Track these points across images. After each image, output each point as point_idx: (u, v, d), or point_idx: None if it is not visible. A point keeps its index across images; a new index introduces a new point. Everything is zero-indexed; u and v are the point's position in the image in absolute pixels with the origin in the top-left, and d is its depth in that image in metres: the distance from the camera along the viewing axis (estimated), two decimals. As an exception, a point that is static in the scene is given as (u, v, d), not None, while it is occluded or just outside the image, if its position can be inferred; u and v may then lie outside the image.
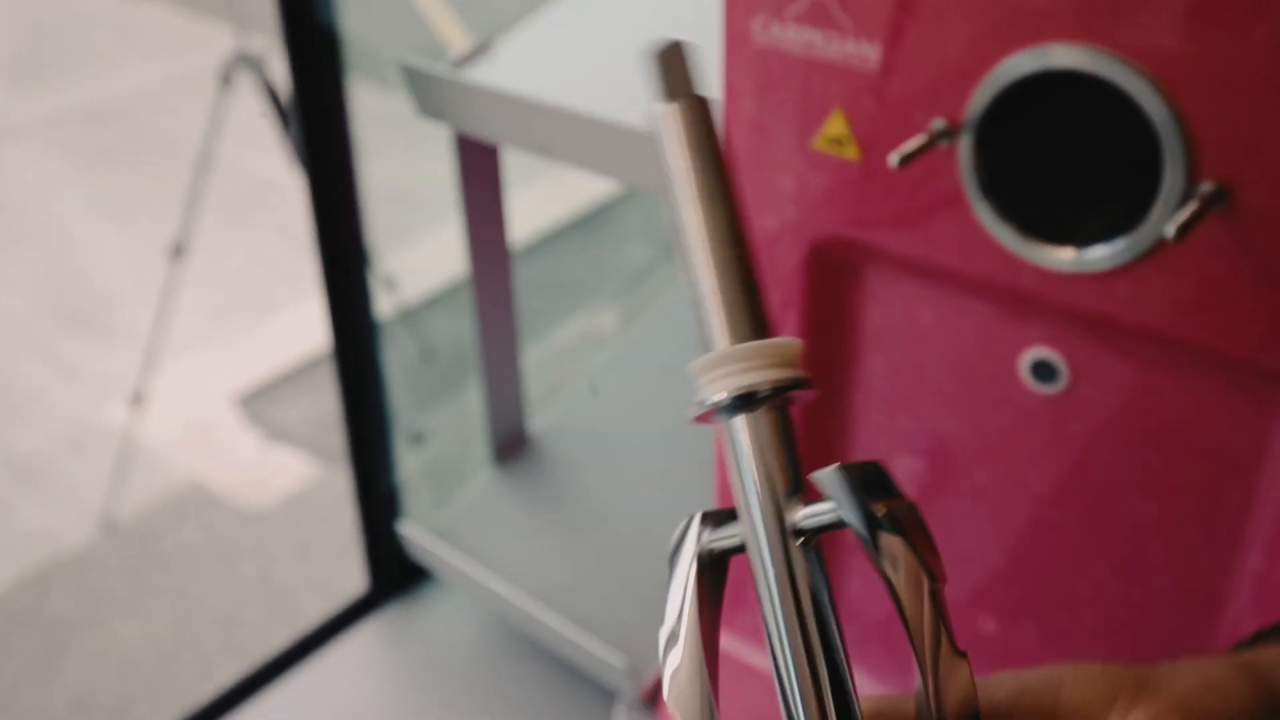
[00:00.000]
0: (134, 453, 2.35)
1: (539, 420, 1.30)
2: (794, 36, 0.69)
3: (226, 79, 2.04)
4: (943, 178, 0.66)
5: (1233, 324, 0.59)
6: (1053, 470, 0.73)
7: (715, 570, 0.37)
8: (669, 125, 0.39)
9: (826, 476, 0.35)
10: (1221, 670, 0.36)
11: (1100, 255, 0.61)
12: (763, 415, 0.36)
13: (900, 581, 0.34)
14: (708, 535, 0.37)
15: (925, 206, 0.68)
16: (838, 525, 0.35)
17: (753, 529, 0.36)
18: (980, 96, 0.63)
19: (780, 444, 0.36)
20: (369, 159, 1.08)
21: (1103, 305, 0.63)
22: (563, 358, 2.49)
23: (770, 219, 0.76)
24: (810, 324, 0.79)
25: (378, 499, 1.23)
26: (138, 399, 2.27)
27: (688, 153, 0.39)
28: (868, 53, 0.66)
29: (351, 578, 1.39)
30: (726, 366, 0.37)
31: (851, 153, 0.70)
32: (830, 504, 0.35)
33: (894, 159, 0.63)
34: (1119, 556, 0.73)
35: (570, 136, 0.86)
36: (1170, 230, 0.54)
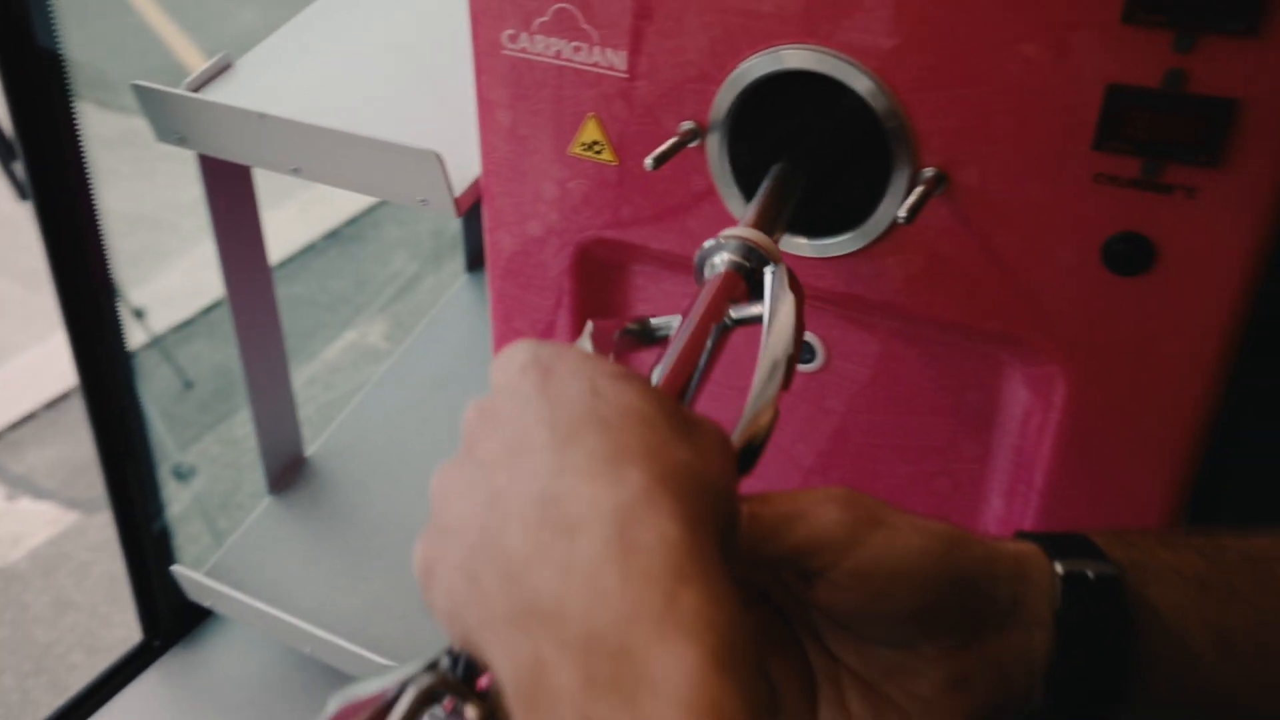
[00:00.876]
0: None
1: (315, 443, 1.27)
2: (543, 47, 0.71)
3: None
4: (695, 176, 0.70)
5: (960, 294, 0.65)
6: (816, 442, 0.79)
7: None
8: None
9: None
10: (929, 527, 0.43)
11: (843, 240, 0.66)
12: None
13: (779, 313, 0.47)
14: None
15: (681, 204, 0.72)
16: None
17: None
18: (722, 98, 0.66)
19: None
20: (108, 185, 1.03)
21: (849, 286, 0.68)
22: (334, 376, 2.42)
23: (535, 225, 0.78)
24: (582, 322, 0.81)
25: (147, 542, 1.16)
26: None
27: None
28: (615, 60, 0.69)
29: (123, 630, 1.31)
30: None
31: (608, 156, 0.72)
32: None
33: (648, 162, 0.66)
34: (882, 516, 0.79)
35: (325, 155, 0.85)
36: (902, 214, 0.59)
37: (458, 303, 1.42)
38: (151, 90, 0.92)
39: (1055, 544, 0.44)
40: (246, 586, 1.08)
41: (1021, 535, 0.46)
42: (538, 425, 0.36)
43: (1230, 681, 0.44)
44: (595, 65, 0.70)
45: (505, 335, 0.85)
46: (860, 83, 0.62)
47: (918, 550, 0.42)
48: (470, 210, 1.45)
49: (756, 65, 0.64)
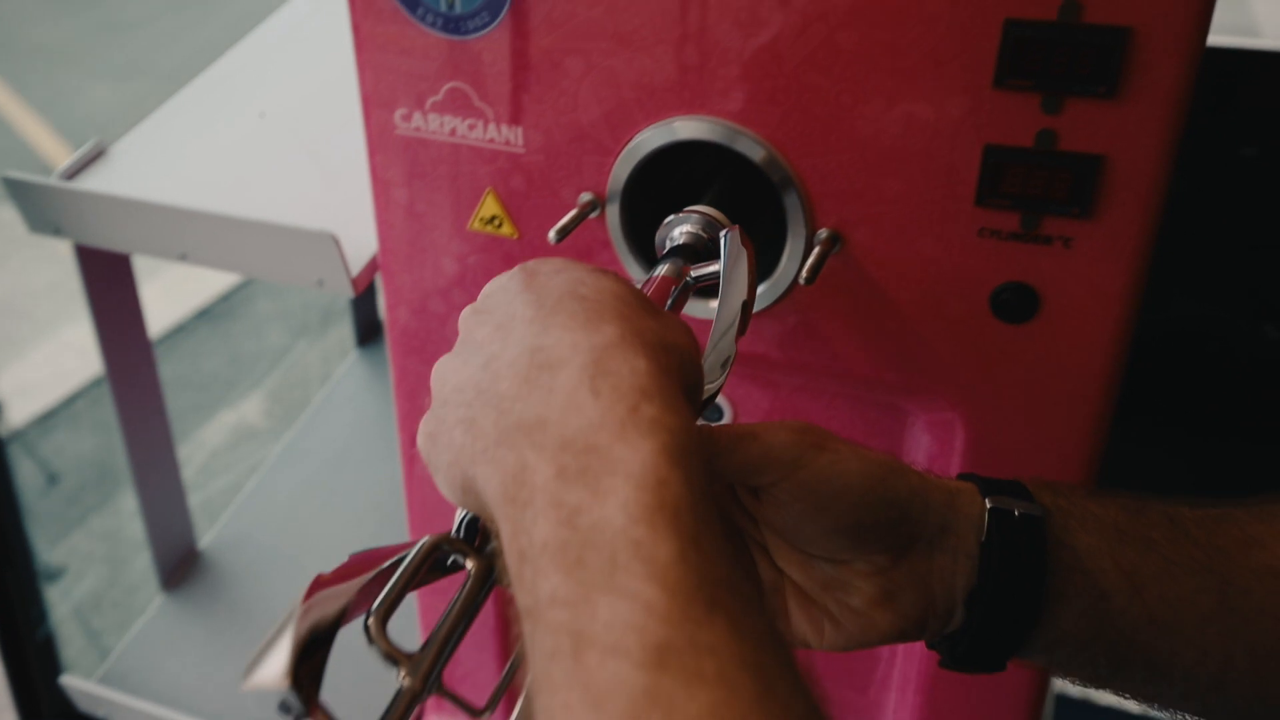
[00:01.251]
0: None
1: (208, 535, 1.22)
2: (437, 125, 0.71)
3: None
4: (596, 246, 0.71)
5: (860, 349, 0.68)
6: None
7: None
8: None
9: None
10: (870, 455, 0.48)
11: (744, 302, 0.68)
12: None
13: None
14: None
15: (584, 274, 0.73)
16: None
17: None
18: (620, 169, 0.68)
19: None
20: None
21: (753, 347, 0.70)
22: (214, 461, 2.35)
23: (437, 301, 0.78)
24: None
25: (28, 653, 1.10)
26: None
27: None
28: (510, 136, 0.70)
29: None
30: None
31: (508, 230, 0.73)
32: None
33: (552, 235, 0.67)
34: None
35: (214, 240, 0.83)
36: (803, 275, 0.61)
37: (350, 380, 1.40)
38: (22, 182, 0.90)
39: (990, 484, 0.50)
40: (144, 692, 1.03)
41: (963, 476, 0.51)
42: (525, 305, 0.43)
43: (1135, 623, 0.48)
44: (491, 142, 0.71)
45: (410, 413, 0.84)
46: (753, 150, 0.64)
47: (856, 473, 0.47)
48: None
49: (651, 137, 0.66)
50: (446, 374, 0.44)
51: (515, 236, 0.73)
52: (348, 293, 0.81)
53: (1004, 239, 0.62)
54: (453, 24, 0.68)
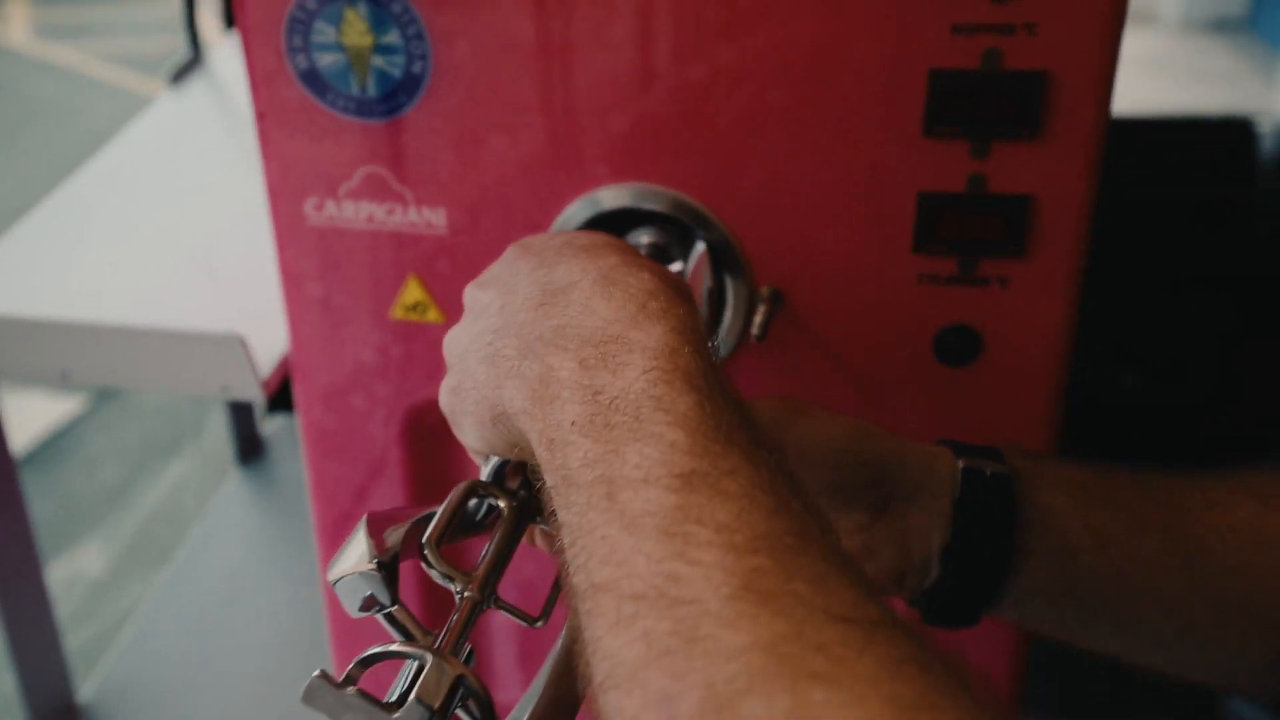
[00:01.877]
0: None
1: (87, 686, 1.12)
2: (352, 213, 0.69)
3: None
4: (528, 325, 0.69)
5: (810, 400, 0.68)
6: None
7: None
8: None
9: None
10: (848, 420, 0.53)
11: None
12: None
13: None
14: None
15: (516, 354, 0.70)
16: None
17: None
18: (550, 244, 0.67)
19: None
20: None
21: (698, 412, 0.69)
22: (85, 607, 2.16)
23: (359, 397, 0.74)
24: (414, 490, 0.78)
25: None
26: None
27: None
28: (433, 218, 0.68)
29: None
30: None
31: (434, 316, 0.71)
32: None
33: (489, 313, 0.65)
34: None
35: (104, 354, 0.78)
36: (754, 332, 0.61)
37: (232, 503, 1.31)
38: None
39: (964, 448, 0.54)
40: None
41: (941, 441, 0.55)
42: (526, 262, 0.46)
43: (1102, 578, 0.51)
44: (412, 225, 0.68)
45: (329, 520, 0.79)
46: (688, 214, 0.64)
47: (837, 435, 0.52)
48: (235, 402, 1.36)
49: (581, 209, 0.65)
50: (459, 335, 0.48)
51: (441, 321, 0.71)
52: (257, 398, 0.76)
53: (942, 284, 0.63)
54: (366, 107, 0.66)
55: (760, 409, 0.51)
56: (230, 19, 1.32)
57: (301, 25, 0.64)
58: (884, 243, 0.62)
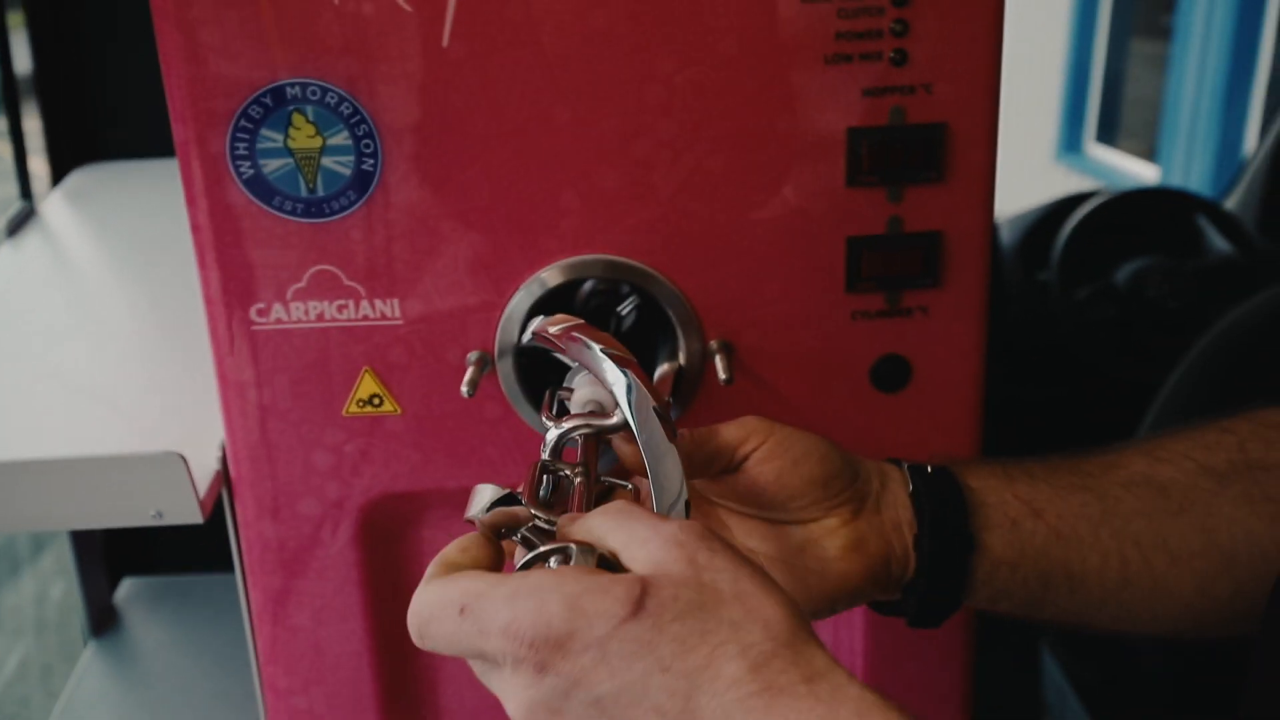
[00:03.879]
0: None
1: None
2: (301, 313, 0.69)
3: None
4: (487, 403, 0.71)
5: (760, 448, 0.73)
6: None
7: None
8: None
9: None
10: (809, 438, 0.59)
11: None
12: None
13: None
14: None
15: (477, 434, 0.72)
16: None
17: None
18: (507, 324, 0.69)
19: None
20: None
21: (662, 467, 0.73)
22: None
23: (310, 502, 0.73)
24: (371, 592, 0.76)
25: None
26: None
27: None
28: (386, 309, 0.70)
29: None
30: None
31: (390, 407, 0.71)
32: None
33: (464, 389, 0.66)
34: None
35: (16, 494, 0.73)
36: (723, 376, 0.66)
37: (89, 681, 1.21)
38: None
39: (897, 461, 0.62)
40: None
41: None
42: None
43: (1045, 540, 0.60)
44: (365, 319, 0.70)
45: (279, 638, 0.77)
46: (640, 278, 0.68)
47: (814, 438, 0.59)
48: (90, 568, 1.27)
49: (535, 285, 0.69)
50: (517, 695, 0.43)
51: (398, 412, 0.71)
52: (196, 519, 0.74)
53: (873, 318, 0.70)
54: (315, 207, 0.68)
55: (743, 421, 0.59)
56: (58, 168, 1.29)
57: (246, 134, 0.66)
58: (820, 286, 0.69)
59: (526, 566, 0.45)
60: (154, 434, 0.80)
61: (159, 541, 1.42)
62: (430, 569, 0.46)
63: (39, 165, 1.29)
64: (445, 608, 0.43)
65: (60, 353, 0.95)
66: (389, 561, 0.77)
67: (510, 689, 0.43)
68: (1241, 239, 1.94)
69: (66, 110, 1.28)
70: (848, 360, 0.71)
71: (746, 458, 0.58)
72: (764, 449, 0.58)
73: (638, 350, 0.70)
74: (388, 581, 0.77)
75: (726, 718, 0.39)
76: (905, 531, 0.59)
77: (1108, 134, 5.01)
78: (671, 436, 0.51)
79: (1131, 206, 2.01)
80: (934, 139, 0.67)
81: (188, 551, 1.37)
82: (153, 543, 1.42)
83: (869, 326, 0.70)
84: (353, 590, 0.76)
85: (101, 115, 1.31)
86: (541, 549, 0.44)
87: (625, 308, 0.71)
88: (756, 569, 0.44)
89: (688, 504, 0.50)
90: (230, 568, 0.77)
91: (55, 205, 1.23)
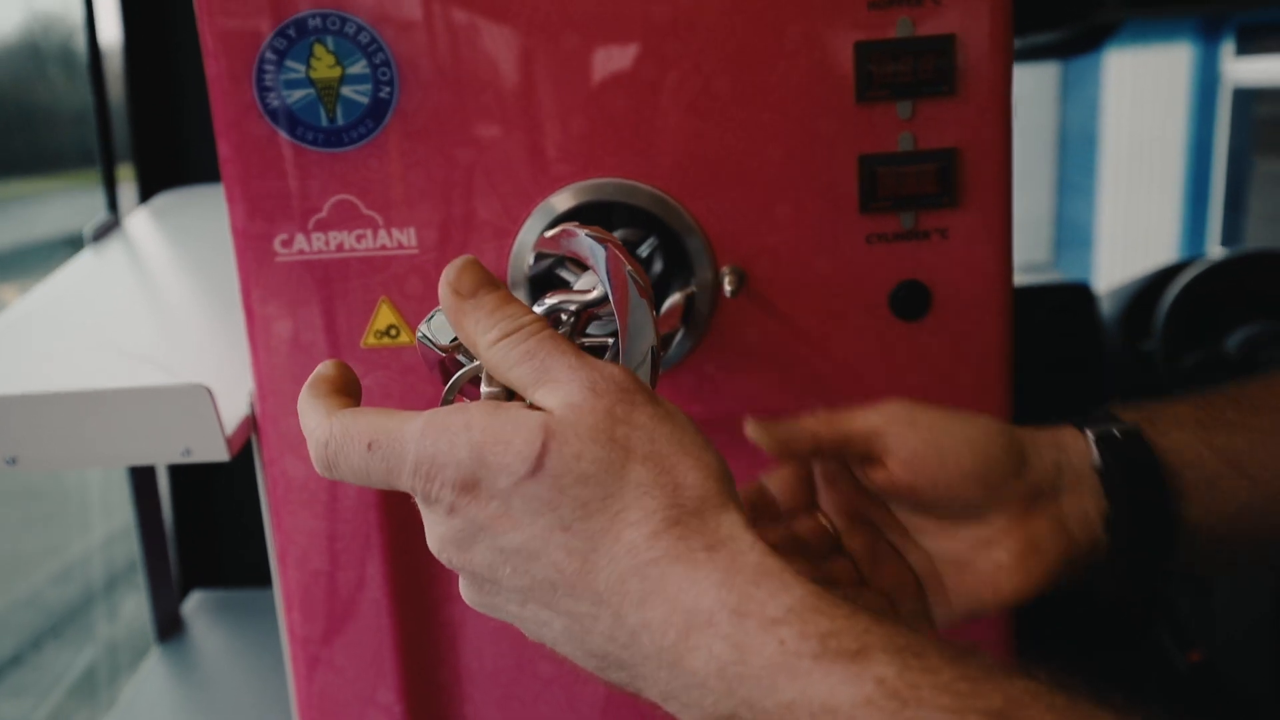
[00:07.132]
0: None
1: None
2: (322, 244, 0.71)
3: None
4: (502, 334, 0.71)
5: (777, 381, 0.71)
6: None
7: None
8: None
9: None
10: (962, 422, 0.53)
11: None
12: None
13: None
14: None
15: (491, 367, 0.72)
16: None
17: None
18: (519, 252, 0.70)
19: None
20: None
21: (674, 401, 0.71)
22: None
23: (330, 434, 0.74)
24: (391, 537, 0.76)
25: None
26: None
27: None
28: (403, 238, 0.71)
29: None
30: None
31: (407, 339, 0.72)
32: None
33: (471, 305, 0.67)
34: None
35: (44, 428, 0.75)
36: (728, 289, 0.65)
37: (151, 683, 1.22)
38: None
39: (1081, 420, 0.54)
40: None
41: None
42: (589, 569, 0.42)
43: (1246, 497, 0.52)
44: (383, 248, 0.71)
45: (302, 581, 0.77)
46: (651, 203, 0.68)
47: (969, 421, 0.51)
48: (160, 578, 1.30)
49: (546, 209, 0.69)
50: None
51: (414, 343, 0.72)
52: (222, 457, 0.75)
53: (890, 240, 0.68)
54: (335, 137, 0.70)
55: (883, 407, 0.54)
56: (146, 189, 1.36)
57: (272, 65, 0.69)
58: (832, 207, 0.68)
59: (448, 395, 0.45)
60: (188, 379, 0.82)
61: (228, 556, 1.44)
62: (305, 389, 0.48)
63: (129, 189, 1.37)
64: (352, 441, 0.43)
65: (121, 330, 0.98)
66: (406, 496, 0.76)
67: (426, 521, 0.44)
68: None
69: (156, 133, 1.36)
70: (865, 287, 0.69)
71: (887, 448, 0.53)
72: (905, 439, 0.52)
73: (655, 290, 0.70)
74: (406, 518, 0.77)
75: (621, 583, 0.39)
76: (1091, 514, 0.53)
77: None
78: (644, 294, 0.50)
79: (1237, 270, 1.94)
80: (944, 49, 0.65)
81: (255, 568, 1.39)
82: (222, 557, 1.45)
83: (886, 250, 0.68)
84: (372, 531, 0.76)
85: (191, 140, 1.39)
86: (455, 375, 0.44)
87: (645, 249, 0.71)
88: (681, 427, 0.42)
89: (655, 356, 0.49)
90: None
91: (139, 220, 1.29)
